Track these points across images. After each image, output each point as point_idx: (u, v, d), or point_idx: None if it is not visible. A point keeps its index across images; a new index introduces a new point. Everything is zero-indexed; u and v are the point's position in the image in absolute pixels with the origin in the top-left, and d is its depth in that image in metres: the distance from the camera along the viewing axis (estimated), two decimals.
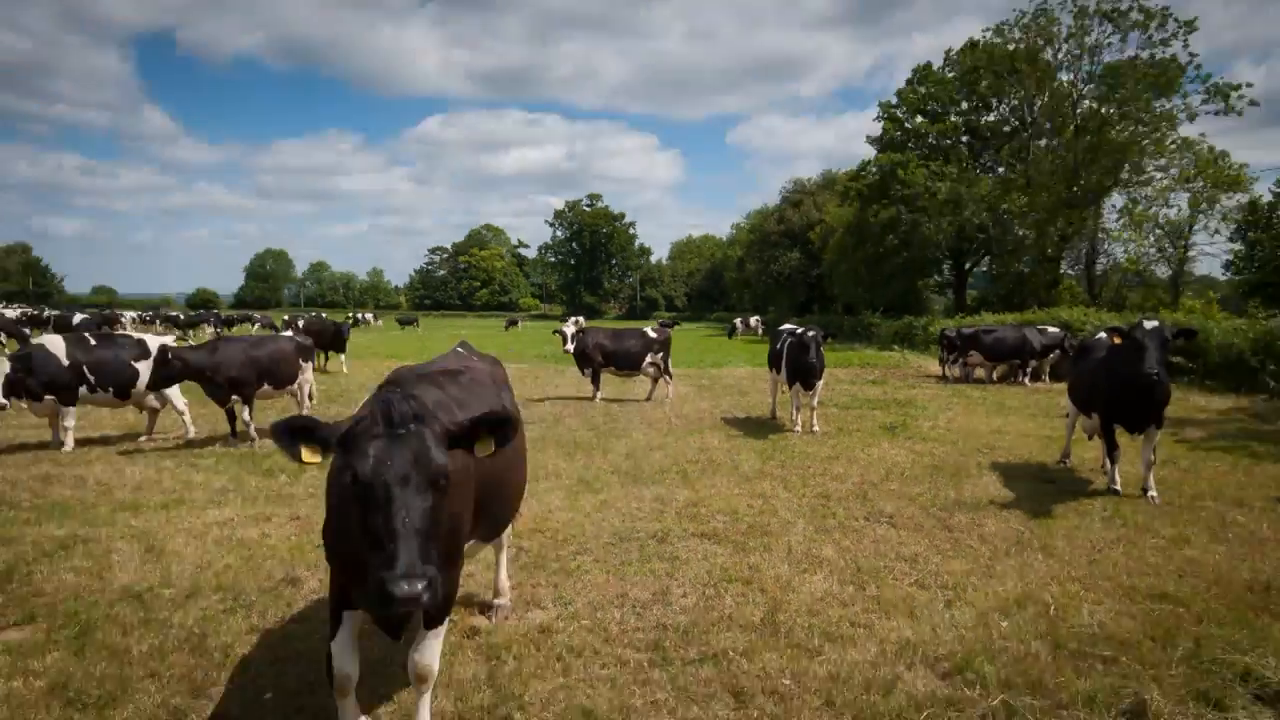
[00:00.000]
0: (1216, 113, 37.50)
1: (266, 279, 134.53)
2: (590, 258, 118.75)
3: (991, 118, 49.25)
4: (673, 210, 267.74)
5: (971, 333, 22.17)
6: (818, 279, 62.43)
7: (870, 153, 52.55)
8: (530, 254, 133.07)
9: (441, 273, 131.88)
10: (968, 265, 50.81)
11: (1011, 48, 44.56)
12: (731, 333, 50.89)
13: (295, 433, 3.12)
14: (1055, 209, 39.59)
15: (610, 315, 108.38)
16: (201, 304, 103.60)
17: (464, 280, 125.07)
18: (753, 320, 52.93)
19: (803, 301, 65.28)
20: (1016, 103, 47.11)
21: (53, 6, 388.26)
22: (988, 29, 46.83)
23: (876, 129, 52.43)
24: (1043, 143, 44.72)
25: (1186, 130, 37.84)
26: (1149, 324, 8.40)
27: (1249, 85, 37.04)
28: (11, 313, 39.53)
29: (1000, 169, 47.01)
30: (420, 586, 2.67)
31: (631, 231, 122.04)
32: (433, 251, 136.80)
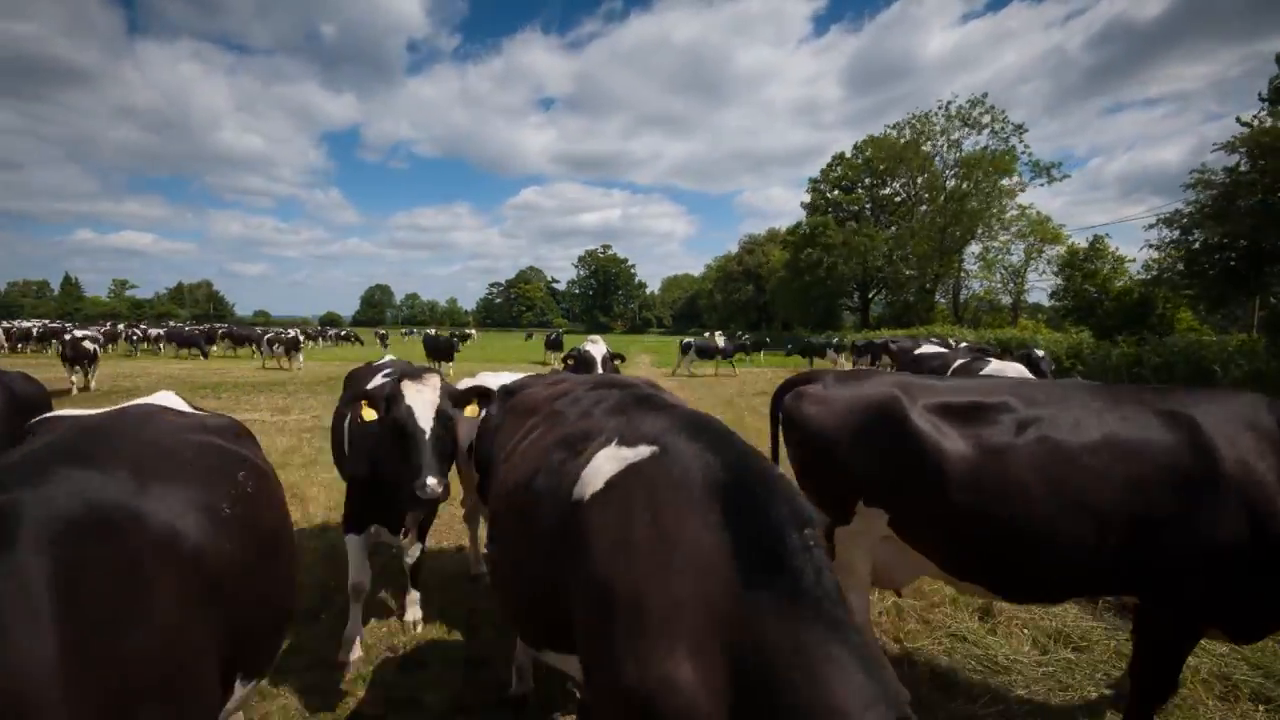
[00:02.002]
0: (1042, 185, 38.23)
1: (375, 305, 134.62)
2: (603, 290, 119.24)
3: (886, 191, 49.50)
4: (681, 255, 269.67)
5: (882, 342, 21.96)
6: (764, 304, 62.82)
7: (802, 214, 52.88)
8: (561, 287, 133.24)
9: (499, 300, 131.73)
10: (870, 295, 51.02)
11: (902, 141, 44.93)
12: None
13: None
14: (931, 256, 40.07)
15: (617, 331, 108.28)
16: (329, 323, 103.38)
17: (514, 306, 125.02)
18: (718, 334, 53.42)
19: (754, 320, 65.41)
20: (905, 180, 47.37)
21: (300, 119, 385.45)
22: (887, 126, 47.32)
23: (808, 198, 52.70)
24: (923, 209, 45.04)
25: (1032, 196, 38.97)
26: (1039, 352, 8.89)
27: (1060, 165, 38.17)
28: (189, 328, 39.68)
29: (893, 227, 47.24)
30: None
31: (632, 270, 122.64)
32: (492, 285, 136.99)
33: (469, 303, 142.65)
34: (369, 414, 3.18)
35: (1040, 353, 8.95)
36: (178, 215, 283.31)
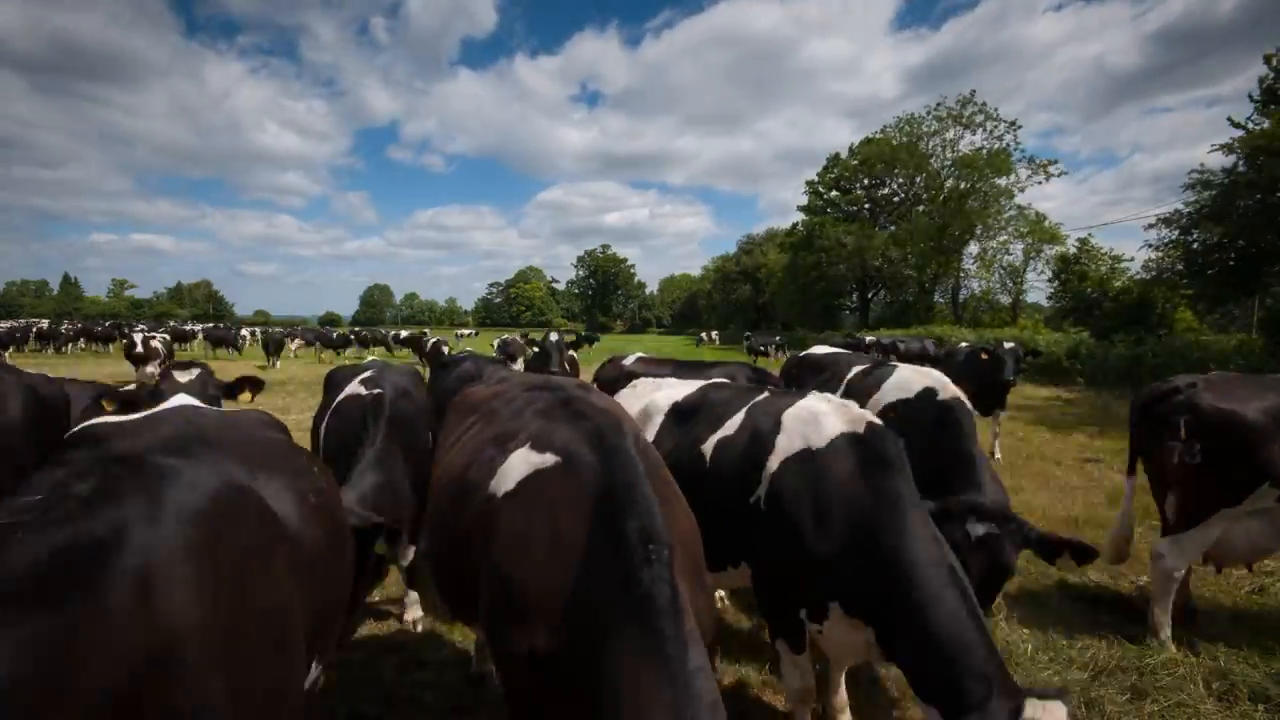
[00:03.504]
0: (1039, 182, 38.26)
1: (374, 305, 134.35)
2: (602, 289, 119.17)
3: (885, 191, 49.53)
4: (700, 254, 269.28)
5: (890, 342, 21.92)
6: (763, 305, 62.85)
7: (799, 216, 52.93)
8: (560, 287, 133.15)
9: (498, 300, 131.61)
10: (869, 294, 51.06)
11: (895, 142, 45.00)
12: (699, 343, 51.26)
13: None
14: (929, 255, 39.98)
15: (617, 331, 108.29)
16: (329, 323, 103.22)
17: (514, 305, 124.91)
18: (713, 334, 53.51)
19: (753, 320, 65.46)
20: (903, 180, 47.39)
21: (335, 119, 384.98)
22: (882, 127, 47.39)
23: (804, 200, 52.72)
24: (920, 208, 44.98)
25: (1033, 196, 39.12)
26: (1008, 344, 8.84)
27: (1056, 161, 38.31)
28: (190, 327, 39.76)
29: (891, 227, 47.26)
30: None
31: (632, 270, 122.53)
32: (491, 285, 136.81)
33: (469, 302, 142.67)
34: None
35: (1009, 344, 8.98)
36: (199, 215, 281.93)
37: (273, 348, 23.32)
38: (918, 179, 45.64)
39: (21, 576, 1.03)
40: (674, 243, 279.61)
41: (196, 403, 2.71)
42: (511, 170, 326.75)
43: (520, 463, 2.05)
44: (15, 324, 34.38)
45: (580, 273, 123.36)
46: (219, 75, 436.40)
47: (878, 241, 44.36)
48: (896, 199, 48.81)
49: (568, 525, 1.78)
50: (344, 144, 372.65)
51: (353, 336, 30.61)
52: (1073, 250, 31.54)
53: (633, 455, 1.90)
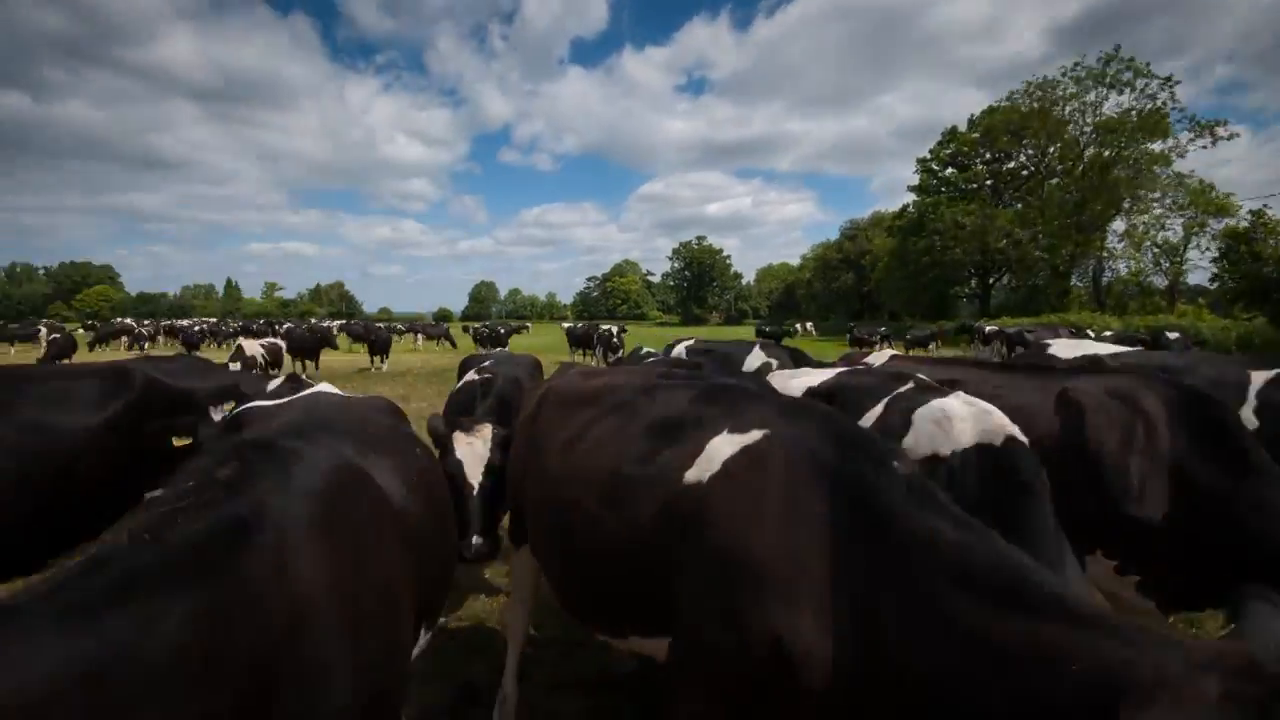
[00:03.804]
0: (1204, 147, 32.98)
1: (481, 300, 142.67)
2: (698, 281, 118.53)
3: (1011, 165, 45.14)
4: (802, 242, 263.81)
5: (1015, 331, 19.85)
6: (867, 293, 59.68)
7: (910, 197, 49.54)
8: (656, 279, 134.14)
9: (595, 294, 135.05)
10: (991, 280, 46.90)
11: (1024, 109, 40.74)
12: (792, 335, 49.53)
13: None
14: (1064, 234, 35.89)
15: (712, 323, 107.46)
16: (442, 318, 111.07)
17: (610, 299, 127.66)
18: (808, 325, 51.23)
19: (855, 310, 62.40)
20: (1032, 151, 42.95)
21: (460, 127, 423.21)
22: (1004, 97, 43.18)
23: (916, 179, 49.26)
24: (1054, 181, 40.59)
25: (1199, 162, 33.87)
26: (1171, 334, 8.09)
27: (1225, 121, 32.73)
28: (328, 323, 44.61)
29: (1017, 205, 43.05)
30: None
31: (728, 260, 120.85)
32: (589, 279, 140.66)
33: (568, 296, 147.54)
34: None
35: (1172, 334, 7.98)
36: (336, 222, 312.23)
37: (380, 345, 24.29)
38: (1050, 149, 41.13)
39: (181, 556, 1.15)
40: (776, 231, 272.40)
41: (331, 389, 3.06)
42: (614, 165, 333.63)
43: (724, 444, 1.95)
44: (192, 322, 40.56)
45: (675, 265, 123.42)
46: (357, 93, 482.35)
47: (1001, 221, 40.55)
48: (1024, 173, 44.35)
49: (800, 491, 1.70)
50: (462, 150, 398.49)
51: (475, 328, 32.84)
52: (1244, 224, 27.03)
53: (821, 409, 1.97)
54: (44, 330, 31.81)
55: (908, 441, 2.49)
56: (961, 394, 2.62)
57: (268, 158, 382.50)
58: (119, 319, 54.96)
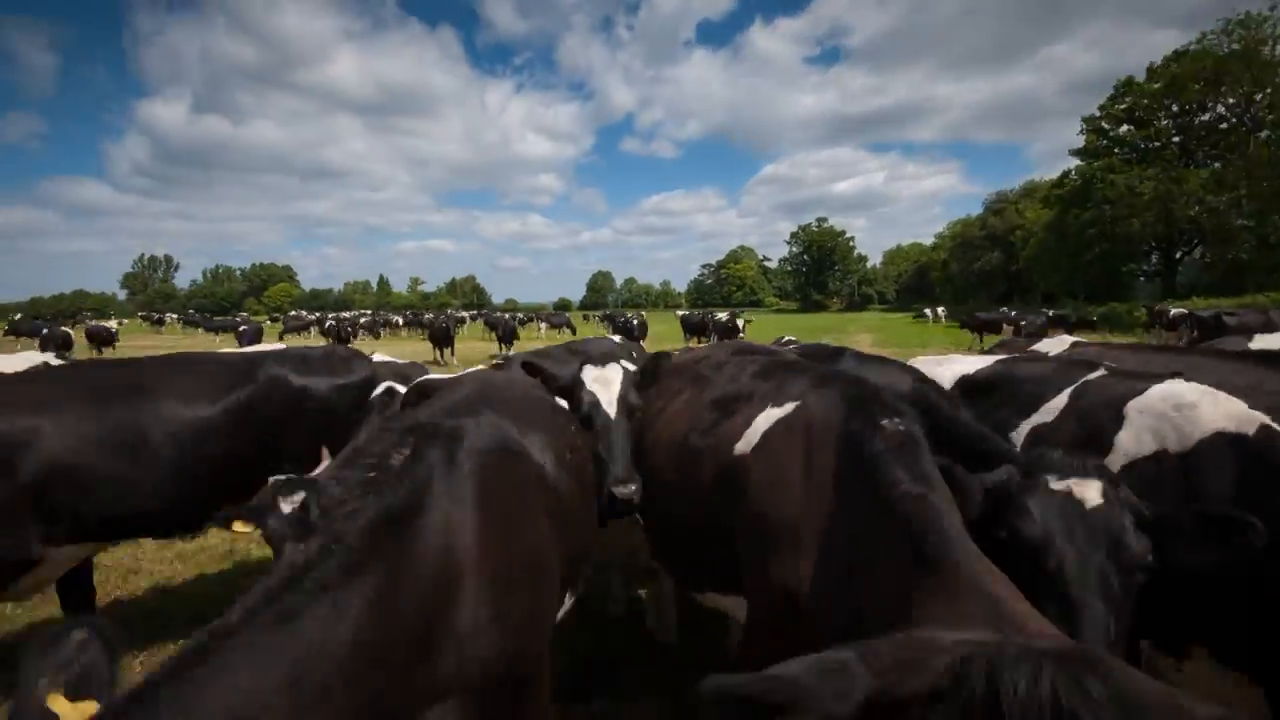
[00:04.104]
0: None
1: (598, 290, 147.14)
2: (818, 265, 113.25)
3: (1205, 118, 38.16)
4: (941, 219, 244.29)
5: (1210, 315, 16.45)
6: (1015, 273, 53.48)
7: (1072, 162, 43.59)
8: (773, 265, 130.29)
9: (709, 281, 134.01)
10: (1177, 254, 40.18)
11: (1222, 52, 34.15)
12: (923, 318, 45.57)
13: None
14: (1276, 197, 29.75)
15: (833, 309, 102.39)
16: (561, 308, 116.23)
17: (725, 285, 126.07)
18: (940, 310, 46.73)
19: (1002, 292, 56.31)
20: (1233, 101, 36.02)
21: (585, 120, 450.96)
22: (1199, 36, 36.48)
23: (1080, 141, 43.27)
24: (1263, 134, 33.74)
25: None
26: None
27: None
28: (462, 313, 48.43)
29: (1214, 165, 36.35)
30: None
31: (851, 242, 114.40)
32: (704, 266, 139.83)
33: (683, 284, 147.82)
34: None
35: None
36: (471, 219, 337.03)
37: (503, 332, 24.98)
38: (1257, 97, 34.24)
39: (359, 555, 1.27)
40: (912, 207, 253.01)
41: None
42: (735, 148, 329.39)
43: (764, 419, 2.13)
44: (357, 314, 46.27)
45: (794, 249, 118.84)
46: (494, 96, 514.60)
47: (1191, 185, 34.54)
48: (1222, 127, 37.42)
49: (819, 455, 1.84)
50: (586, 143, 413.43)
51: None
52: None
53: (849, 378, 2.10)
54: (241, 323, 37.88)
55: (1123, 438, 2.11)
56: (1180, 380, 2.19)
57: (416, 163, 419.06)
58: (295, 311, 64.47)
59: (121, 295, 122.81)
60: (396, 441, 1.68)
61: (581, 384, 2.86)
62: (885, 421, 1.74)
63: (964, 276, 61.48)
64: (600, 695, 3.24)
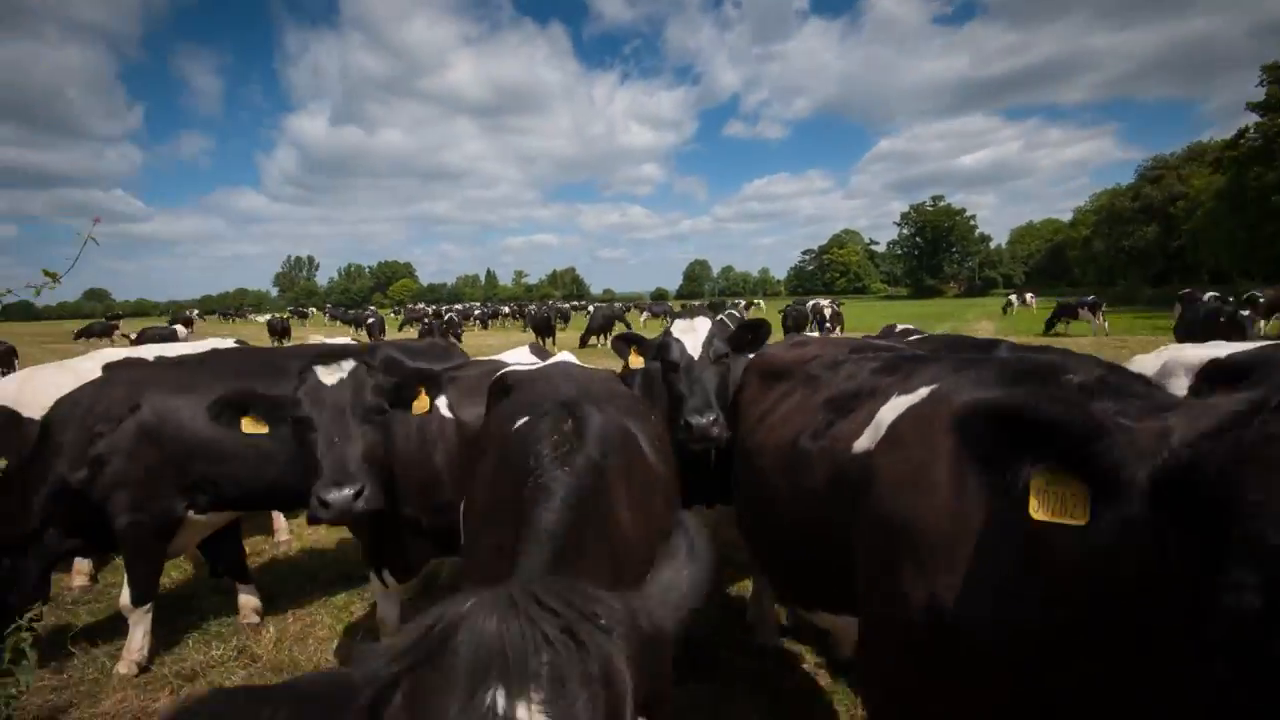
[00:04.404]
0: None
1: (694, 279, 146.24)
2: (932, 248, 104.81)
3: None
4: (1087, 191, 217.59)
5: None
6: (1178, 250, 46.49)
7: (1249, 118, 36.98)
8: (880, 248, 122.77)
9: (810, 268, 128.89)
10: None
11: None
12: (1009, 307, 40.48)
13: None
14: None
15: (949, 294, 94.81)
16: (659, 298, 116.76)
17: (827, 272, 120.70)
18: (1028, 297, 40.59)
19: (1159, 272, 49.34)
20: None
21: (688, 106, 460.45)
22: None
23: (1261, 94, 36.62)
24: None
25: None
26: None
27: None
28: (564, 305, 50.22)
29: None
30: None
31: (972, 223, 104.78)
32: (805, 252, 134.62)
33: (782, 271, 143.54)
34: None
35: None
36: (575, 212, 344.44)
37: (598, 323, 25.40)
38: None
39: (577, 510, 1.45)
40: (1050, 180, 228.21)
41: (572, 358, 3.25)
42: (845, 125, 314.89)
43: (889, 412, 1.89)
44: (468, 305, 49.74)
45: (904, 231, 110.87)
46: (599, 89, 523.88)
47: None
48: None
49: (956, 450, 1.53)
50: (687, 131, 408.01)
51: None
52: None
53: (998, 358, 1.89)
54: (369, 315, 41.82)
55: None
56: None
57: (525, 160, 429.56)
58: (413, 304, 70.50)
59: (274, 292, 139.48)
60: (560, 418, 1.81)
61: (669, 333, 3.07)
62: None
63: (1111, 255, 54.33)
64: (703, 681, 3.23)
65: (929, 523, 1.53)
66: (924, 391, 1.83)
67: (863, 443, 1.90)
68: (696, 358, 2.90)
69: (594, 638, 0.85)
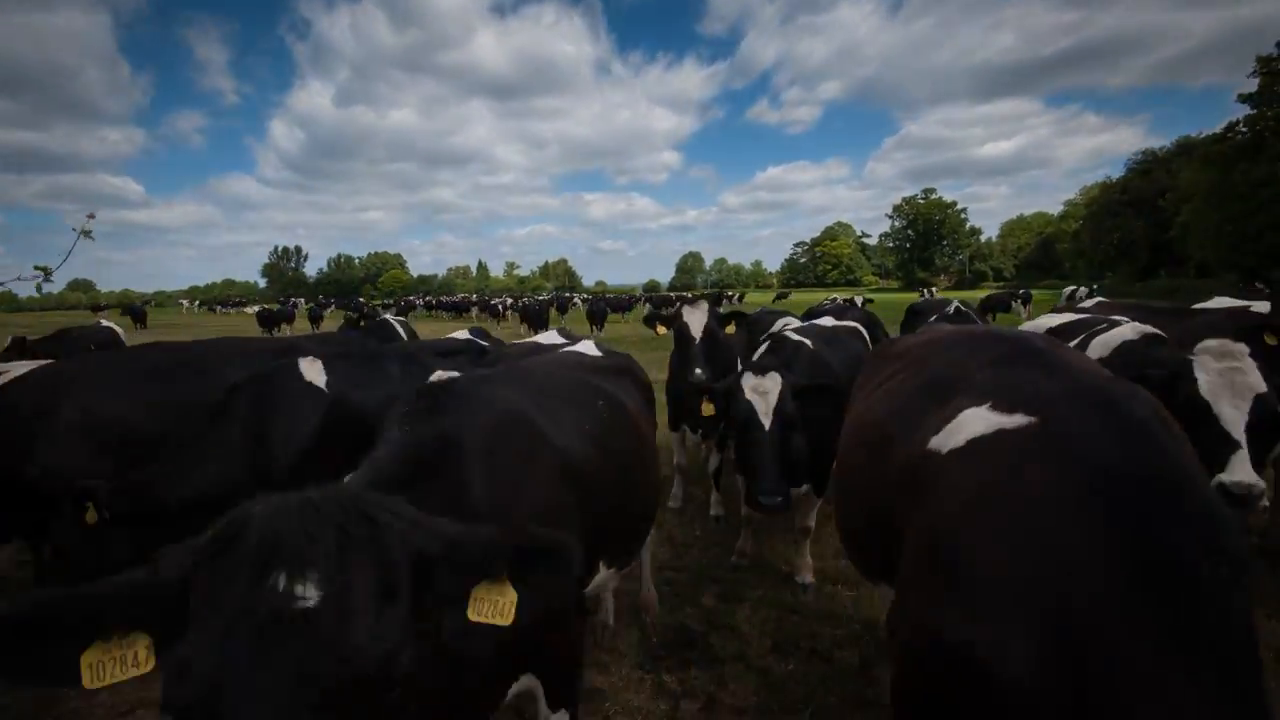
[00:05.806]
0: None
1: (687, 271, 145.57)
2: (924, 241, 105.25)
3: None
4: (1094, 178, 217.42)
5: None
6: (1164, 243, 46.91)
7: (1239, 110, 37.22)
8: (872, 241, 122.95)
9: (803, 260, 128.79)
10: None
11: None
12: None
13: None
14: None
15: (940, 287, 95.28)
16: (652, 289, 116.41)
17: (819, 265, 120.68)
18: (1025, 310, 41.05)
19: (1145, 265, 49.81)
20: None
21: (711, 85, 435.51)
22: None
23: (1254, 85, 36.84)
24: None
25: None
26: None
27: None
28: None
29: None
30: None
31: (963, 216, 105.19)
32: (797, 245, 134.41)
33: (776, 264, 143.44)
34: (708, 409, 3.48)
35: None
36: (582, 202, 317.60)
37: (598, 317, 25.27)
38: None
39: (399, 471, 1.63)
40: (1069, 171, 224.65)
41: (591, 346, 3.31)
42: (866, 111, 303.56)
43: (975, 419, 1.71)
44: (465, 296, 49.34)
45: (896, 224, 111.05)
46: (626, 68, 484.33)
47: None
48: None
49: (1047, 507, 1.37)
50: (703, 117, 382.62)
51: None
52: None
53: (1157, 430, 1.44)
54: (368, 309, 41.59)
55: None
56: None
57: (538, 145, 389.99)
58: (404, 296, 70.02)
59: (262, 283, 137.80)
60: (424, 396, 1.97)
61: (740, 391, 3.20)
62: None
63: (1098, 249, 54.74)
64: (696, 665, 3.32)
65: (972, 551, 1.43)
66: (1021, 419, 1.61)
67: (938, 441, 1.78)
68: (767, 427, 3.17)
69: (365, 528, 1.03)
